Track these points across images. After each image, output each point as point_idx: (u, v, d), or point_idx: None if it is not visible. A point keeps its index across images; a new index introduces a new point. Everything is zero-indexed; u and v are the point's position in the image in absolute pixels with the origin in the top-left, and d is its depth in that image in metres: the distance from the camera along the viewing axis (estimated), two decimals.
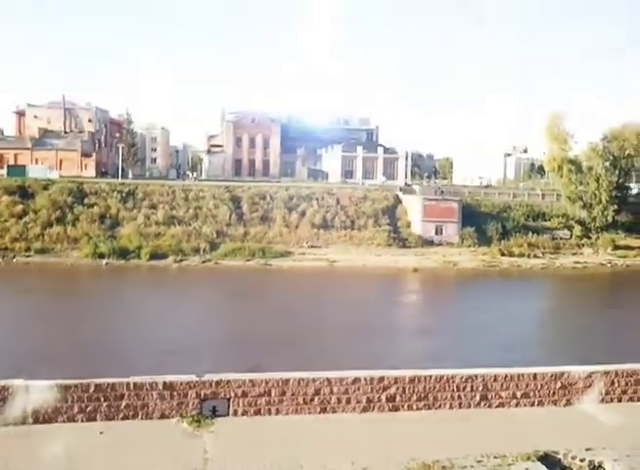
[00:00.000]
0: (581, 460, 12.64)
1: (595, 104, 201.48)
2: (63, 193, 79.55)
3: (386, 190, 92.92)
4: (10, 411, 13.70)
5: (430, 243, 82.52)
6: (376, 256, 77.48)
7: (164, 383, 14.67)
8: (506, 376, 16.23)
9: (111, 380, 14.55)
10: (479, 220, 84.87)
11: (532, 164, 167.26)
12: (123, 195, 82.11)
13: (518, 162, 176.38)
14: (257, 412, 14.96)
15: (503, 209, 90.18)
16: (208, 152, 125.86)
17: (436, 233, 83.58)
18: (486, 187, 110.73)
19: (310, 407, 15.20)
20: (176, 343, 36.53)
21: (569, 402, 16.38)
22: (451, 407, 15.86)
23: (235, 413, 14.91)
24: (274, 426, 14.50)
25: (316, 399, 15.22)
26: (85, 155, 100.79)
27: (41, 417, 13.93)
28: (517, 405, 16.16)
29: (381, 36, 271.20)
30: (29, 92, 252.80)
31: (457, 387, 15.90)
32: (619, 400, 16.67)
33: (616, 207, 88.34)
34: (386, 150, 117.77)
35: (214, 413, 14.76)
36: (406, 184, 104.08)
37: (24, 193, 79.59)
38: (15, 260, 69.34)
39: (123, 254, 71.40)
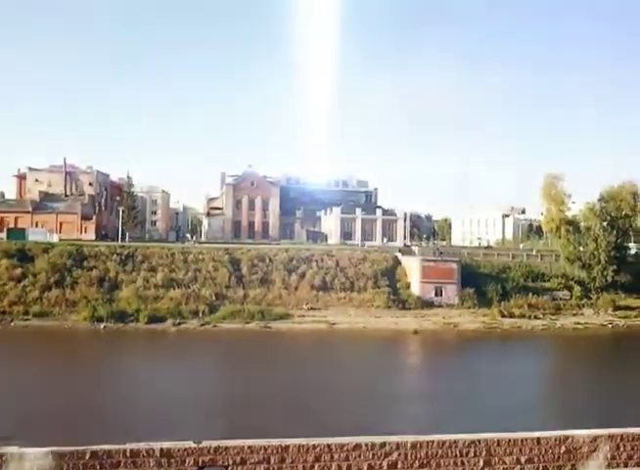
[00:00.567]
0: None
1: (591, 164, 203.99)
2: (62, 256, 79.62)
3: (385, 251, 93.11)
4: None
5: (429, 304, 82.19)
6: (376, 318, 77.07)
7: (162, 450, 14.41)
8: (509, 441, 15.96)
9: (107, 447, 14.29)
10: (478, 281, 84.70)
11: (530, 225, 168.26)
12: (123, 258, 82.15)
13: (516, 222, 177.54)
14: None
15: (502, 269, 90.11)
16: (208, 214, 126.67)
17: (436, 294, 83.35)
18: (486, 248, 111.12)
19: None
20: (173, 408, 35.96)
21: (573, 468, 16.08)
22: None
23: None
24: None
25: (316, 466, 14.93)
26: (85, 218, 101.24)
27: None
28: None
29: (377, 96, 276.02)
30: (31, 156, 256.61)
31: (460, 452, 15.62)
32: (626, 465, 16.37)
33: (615, 267, 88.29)
34: (384, 212, 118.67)
35: None
36: (405, 245, 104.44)
37: (24, 256, 79.64)
38: (13, 324, 68.88)
39: (122, 317, 71.02)
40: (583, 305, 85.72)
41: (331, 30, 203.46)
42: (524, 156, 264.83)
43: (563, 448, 16.09)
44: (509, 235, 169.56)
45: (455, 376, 50.81)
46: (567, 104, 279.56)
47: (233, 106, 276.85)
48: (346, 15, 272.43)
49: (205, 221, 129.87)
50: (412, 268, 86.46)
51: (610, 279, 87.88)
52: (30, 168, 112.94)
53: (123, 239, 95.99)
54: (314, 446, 15.00)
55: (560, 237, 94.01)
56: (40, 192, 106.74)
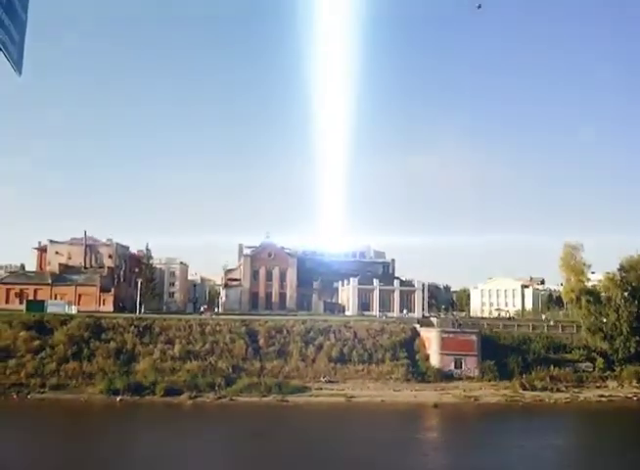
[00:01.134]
0: None
1: (610, 234, 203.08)
2: (80, 328, 79.83)
3: (403, 323, 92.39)
4: None
5: (449, 377, 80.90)
6: (394, 391, 75.86)
7: None
8: None
9: None
10: (499, 353, 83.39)
11: (550, 295, 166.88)
12: (140, 330, 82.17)
13: (535, 293, 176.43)
14: None
15: (523, 341, 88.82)
16: (226, 286, 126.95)
17: (456, 367, 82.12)
18: (509, 319, 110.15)
19: None
20: None
21: None
22: None
23: None
24: None
25: None
26: (104, 290, 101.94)
27: None
28: None
29: (391, 167, 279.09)
30: (51, 229, 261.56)
31: None
32: None
33: (638, 338, 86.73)
34: (402, 283, 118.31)
35: None
36: (424, 316, 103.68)
37: (42, 328, 79.91)
38: (29, 397, 68.52)
39: (138, 389, 70.50)
40: (607, 378, 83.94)
41: (347, 105, 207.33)
42: (542, 226, 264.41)
43: None
44: (529, 305, 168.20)
45: (476, 452, 49.56)
46: (583, 176, 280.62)
47: (251, 177, 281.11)
48: (361, 91, 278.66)
49: (222, 293, 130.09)
50: (431, 340, 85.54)
51: (633, 350, 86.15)
52: (51, 241, 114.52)
53: (141, 311, 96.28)
54: None
55: (580, 307, 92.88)
56: (60, 264, 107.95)
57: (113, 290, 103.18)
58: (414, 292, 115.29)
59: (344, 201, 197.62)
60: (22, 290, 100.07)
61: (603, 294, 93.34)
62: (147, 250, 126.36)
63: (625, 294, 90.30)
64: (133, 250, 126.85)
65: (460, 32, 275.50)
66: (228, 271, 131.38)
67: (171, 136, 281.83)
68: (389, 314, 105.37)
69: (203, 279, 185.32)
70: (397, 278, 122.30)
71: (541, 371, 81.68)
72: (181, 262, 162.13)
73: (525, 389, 77.63)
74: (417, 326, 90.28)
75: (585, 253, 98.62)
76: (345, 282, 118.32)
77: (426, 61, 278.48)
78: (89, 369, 74.08)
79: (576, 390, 79.38)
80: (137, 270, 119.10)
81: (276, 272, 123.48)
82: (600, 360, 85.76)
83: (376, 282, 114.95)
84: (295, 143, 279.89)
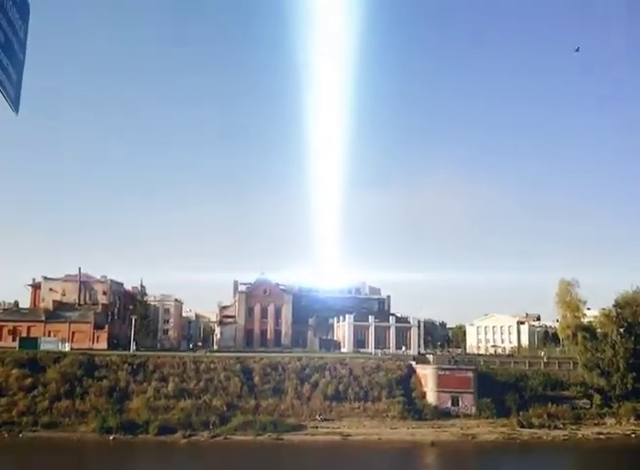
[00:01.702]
0: None
1: (605, 270, 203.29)
2: (73, 366, 79.07)
3: (399, 359, 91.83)
4: None
5: (446, 414, 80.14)
6: (391, 428, 75.04)
7: None
8: None
9: None
10: (495, 390, 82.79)
11: (546, 332, 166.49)
12: (134, 367, 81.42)
13: (531, 329, 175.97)
14: None
15: (520, 378, 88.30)
16: (220, 323, 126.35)
17: (453, 404, 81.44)
18: (508, 356, 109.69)
19: None
20: None
21: None
22: None
23: None
24: None
25: None
26: (98, 327, 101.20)
27: None
28: None
29: (388, 200, 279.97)
30: (45, 265, 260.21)
31: None
32: None
33: (635, 374, 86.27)
34: (398, 319, 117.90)
35: None
36: (419, 353, 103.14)
37: (35, 366, 79.10)
38: (21, 435, 67.51)
39: (131, 428, 69.58)
40: (605, 415, 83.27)
41: (344, 137, 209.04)
42: (537, 262, 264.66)
43: None
44: (525, 342, 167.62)
45: None
46: (580, 211, 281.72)
47: (246, 213, 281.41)
48: (357, 123, 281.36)
49: (217, 330, 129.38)
50: (427, 377, 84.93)
51: (630, 387, 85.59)
52: (45, 278, 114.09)
53: (135, 348, 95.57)
54: None
55: (577, 344, 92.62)
56: (54, 301, 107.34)
57: (106, 327, 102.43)
58: (410, 328, 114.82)
59: (340, 236, 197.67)
60: (15, 327, 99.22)
61: (599, 330, 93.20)
62: (141, 286, 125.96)
63: (621, 330, 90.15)
64: (127, 286, 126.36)
65: (460, 63, 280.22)
66: (223, 308, 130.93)
67: (168, 171, 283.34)
68: (385, 351, 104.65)
69: (197, 316, 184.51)
70: (393, 314, 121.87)
71: (539, 408, 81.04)
72: (176, 299, 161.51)
73: (522, 426, 76.93)
74: (413, 363, 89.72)
75: (581, 289, 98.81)
76: (341, 319, 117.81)
77: (424, 92, 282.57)
78: (82, 407, 73.15)
79: (574, 427, 78.70)
80: (131, 307, 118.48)
81: (271, 309, 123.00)
82: (597, 397, 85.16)
83: (371, 319, 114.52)
84: (290, 178, 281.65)
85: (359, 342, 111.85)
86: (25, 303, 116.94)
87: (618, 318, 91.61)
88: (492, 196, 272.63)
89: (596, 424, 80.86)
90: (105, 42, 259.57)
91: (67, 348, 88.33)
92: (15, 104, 8.65)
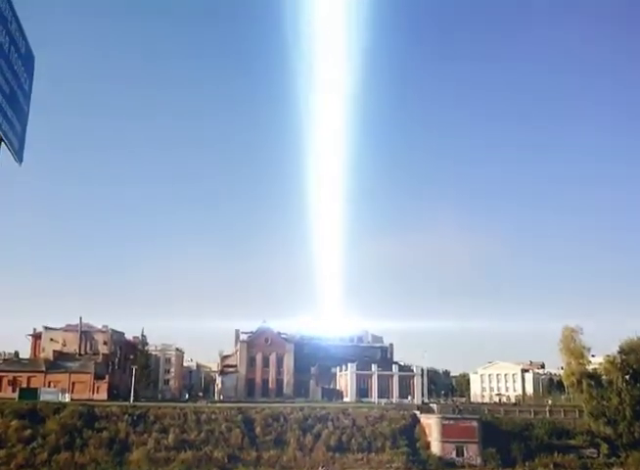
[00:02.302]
0: None
1: (609, 317, 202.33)
2: (73, 417, 78.21)
3: (402, 409, 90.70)
4: None
5: (451, 465, 78.88)
6: None
7: None
8: None
9: None
10: (501, 440, 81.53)
11: (551, 379, 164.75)
12: (134, 418, 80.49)
13: (536, 377, 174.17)
14: None
15: (525, 427, 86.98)
16: (222, 372, 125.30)
17: (457, 454, 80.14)
18: (514, 405, 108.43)
19: None
20: None
21: None
22: None
23: None
24: None
25: None
26: (98, 377, 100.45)
27: None
28: None
29: (389, 247, 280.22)
30: (46, 314, 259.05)
31: None
32: None
33: None
34: (401, 368, 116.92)
35: None
36: (423, 402, 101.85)
37: (35, 417, 78.22)
38: None
39: None
40: (612, 464, 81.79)
41: (345, 184, 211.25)
42: (540, 309, 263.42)
43: None
44: (529, 390, 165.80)
45: None
46: (582, 257, 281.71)
47: (247, 262, 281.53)
48: (358, 170, 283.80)
49: (218, 379, 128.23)
50: (431, 427, 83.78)
51: (637, 436, 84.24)
52: (46, 328, 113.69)
53: (136, 398, 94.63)
54: None
55: (582, 391, 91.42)
56: (54, 351, 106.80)
57: (107, 377, 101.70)
58: (413, 377, 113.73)
59: (342, 283, 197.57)
60: (15, 377, 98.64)
61: (604, 377, 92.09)
62: (142, 336, 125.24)
63: (627, 377, 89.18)
64: (129, 335, 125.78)
65: (460, 110, 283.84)
66: (224, 357, 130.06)
67: (170, 218, 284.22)
68: (388, 400, 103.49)
69: (198, 365, 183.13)
70: (396, 363, 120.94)
71: (545, 458, 79.78)
72: (177, 349, 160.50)
73: None
74: (417, 413, 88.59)
75: (585, 336, 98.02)
76: (343, 367, 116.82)
77: (426, 136, 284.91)
78: (81, 460, 72.13)
79: None
80: (132, 357, 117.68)
81: (273, 358, 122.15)
82: (604, 446, 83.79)
83: (374, 367, 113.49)
84: (291, 225, 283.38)
85: (362, 391, 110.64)
86: (26, 352, 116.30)
87: (623, 365, 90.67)
88: (494, 243, 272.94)
89: None
90: (97, 82, 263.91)
91: (67, 398, 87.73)
92: (19, 155, 8.85)
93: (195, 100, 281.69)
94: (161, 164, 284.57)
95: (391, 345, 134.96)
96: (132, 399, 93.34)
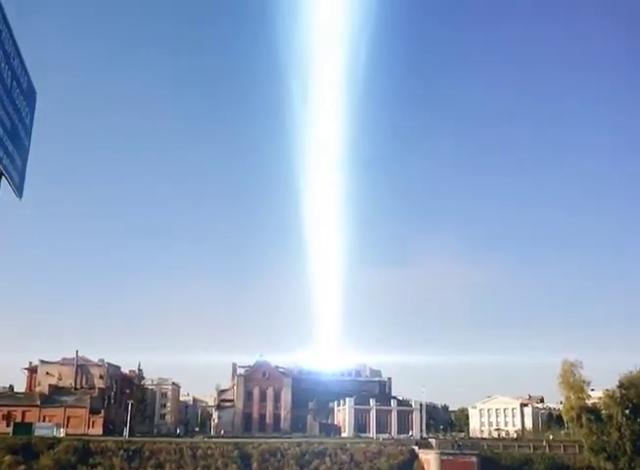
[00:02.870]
0: None
1: (608, 351, 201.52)
2: (67, 452, 77.32)
3: (401, 444, 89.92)
4: None
5: None
6: None
7: None
8: None
9: None
10: None
11: (550, 414, 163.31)
12: (130, 453, 79.58)
13: (535, 411, 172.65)
14: None
15: (524, 462, 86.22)
16: (219, 406, 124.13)
17: None
18: (515, 440, 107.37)
19: None
20: None
21: None
22: None
23: None
24: None
25: None
26: (93, 412, 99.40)
27: None
28: None
29: (387, 280, 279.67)
30: (42, 348, 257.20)
31: None
32: None
33: None
34: (399, 402, 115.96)
35: None
36: (422, 437, 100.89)
37: (29, 452, 77.30)
38: None
39: None
40: None
41: (343, 215, 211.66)
42: (539, 343, 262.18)
43: None
44: (528, 424, 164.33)
45: None
46: (581, 291, 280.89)
47: (244, 294, 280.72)
48: (356, 203, 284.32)
49: (215, 414, 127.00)
50: (430, 462, 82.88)
51: None
52: (42, 361, 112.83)
53: (131, 433, 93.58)
54: None
55: (581, 426, 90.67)
56: (50, 385, 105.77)
57: (102, 412, 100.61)
58: (412, 412, 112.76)
59: (340, 316, 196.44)
60: (9, 412, 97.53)
61: (604, 412, 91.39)
62: (139, 370, 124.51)
63: (627, 411, 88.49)
64: (125, 369, 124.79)
65: (458, 141, 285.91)
66: (221, 392, 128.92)
67: (168, 252, 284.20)
68: (387, 435, 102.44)
69: (195, 400, 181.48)
70: (394, 397, 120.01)
71: None
72: (173, 383, 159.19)
73: None
74: (415, 448, 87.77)
75: (584, 370, 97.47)
76: (341, 402, 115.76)
77: (425, 168, 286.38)
78: None
79: None
80: (128, 391, 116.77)
81: (270, 393, 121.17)
82: None
83: (372, 402, 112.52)
84: (289, 258, 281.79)
85: (360, 426, 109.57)
86: (22, 386, 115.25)
87: (623, 399, 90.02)
88: (494, 276, 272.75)
89: None
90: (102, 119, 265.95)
91: (61, 433, 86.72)
92: (19, 189, 8.94)
93: (191, 134, 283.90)
94: (159, 196, 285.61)
95: (390, 379, 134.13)
96: (127, 433, 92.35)
